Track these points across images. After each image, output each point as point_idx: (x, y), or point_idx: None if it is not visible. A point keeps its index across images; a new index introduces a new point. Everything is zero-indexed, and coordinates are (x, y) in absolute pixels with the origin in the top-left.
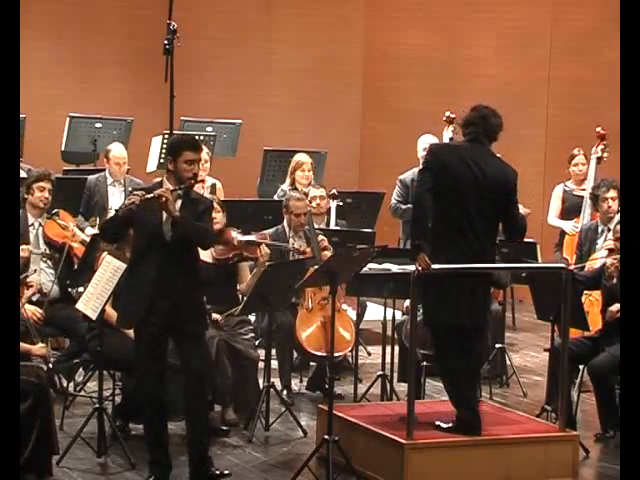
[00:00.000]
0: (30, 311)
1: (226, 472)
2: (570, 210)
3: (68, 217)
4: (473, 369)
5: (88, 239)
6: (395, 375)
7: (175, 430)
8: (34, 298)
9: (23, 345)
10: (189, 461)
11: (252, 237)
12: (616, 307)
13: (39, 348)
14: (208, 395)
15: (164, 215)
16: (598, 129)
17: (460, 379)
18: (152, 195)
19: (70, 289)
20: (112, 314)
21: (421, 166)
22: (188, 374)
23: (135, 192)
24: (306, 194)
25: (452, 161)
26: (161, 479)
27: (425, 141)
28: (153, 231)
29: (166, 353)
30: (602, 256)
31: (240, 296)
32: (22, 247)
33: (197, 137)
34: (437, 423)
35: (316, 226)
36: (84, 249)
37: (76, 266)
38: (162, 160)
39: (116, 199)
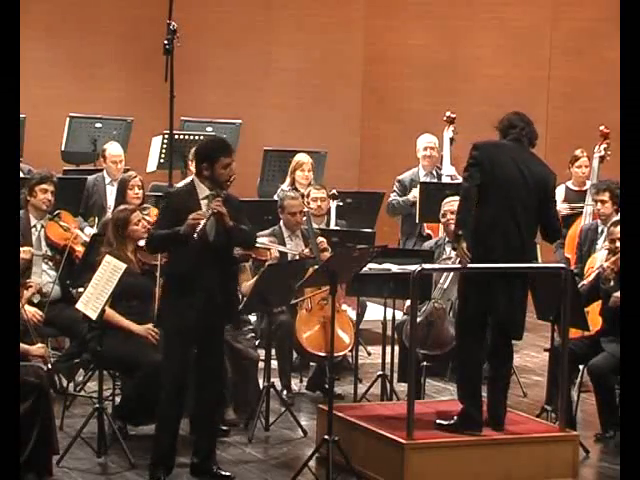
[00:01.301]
0: (30, 312)
1: (228, 474)
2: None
3: (70, 218)
4: (501, 370)
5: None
6: (395, 375)
7: None
8: (35, 300)
9: (22, 345)
10: (195, 454)
11: (262, 240)
12: (619, 294)
13: (38, 348)
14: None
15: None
16: (602, 127)
17: (476, 375)
18: (211, 212)
19: (71, 289)
20: (111, 315)
21: (467, 162)
22: (208, 367)
23: (197, 214)
24: (306, 195)
25: (499, 158)
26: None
27: (424, 140)
28: (199, 235)
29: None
30: (602, 256)
31: (240, 296)
32: (24, 249)
33: (194, 137)
34: (438, 422)
35: (316, 226)
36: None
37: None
38: (162, 160)
39: (114, 198)
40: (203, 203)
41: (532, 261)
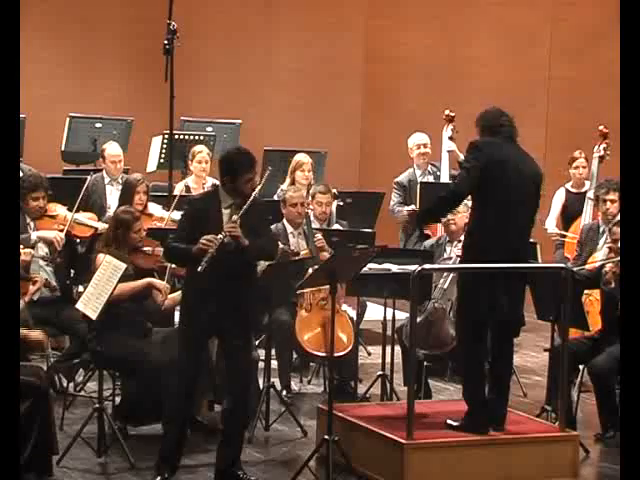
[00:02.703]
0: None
1: (253, 478)
2: (573, 213)
3: (54, 205)
4: (504, 370)
5: (81, 218)
6: (395, 375)
7: None
8: (45, 293)
9: (21, 331)
10: (220, 460)
11: None
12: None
13: (37, 334)
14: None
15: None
16: (601, 127)
17: (478, 376)
18: (225, 235)
19: (68, 281)
20: (118, 289)
21: (465, 162)
22: (235, 374)
23: (208, 240)
24: (311, 196)
25: (499, 157)
26: (167, 478)
27: (416, 139)
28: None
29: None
30: (603, 255)
31: None
32: (24, 250)
33: (194, 137)
34: (448, 422)
35: (317, 226)
36: (79, 228)
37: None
38: (162, 160)
39: (114, 198)
40: (225, 212)
41: (531, 260)
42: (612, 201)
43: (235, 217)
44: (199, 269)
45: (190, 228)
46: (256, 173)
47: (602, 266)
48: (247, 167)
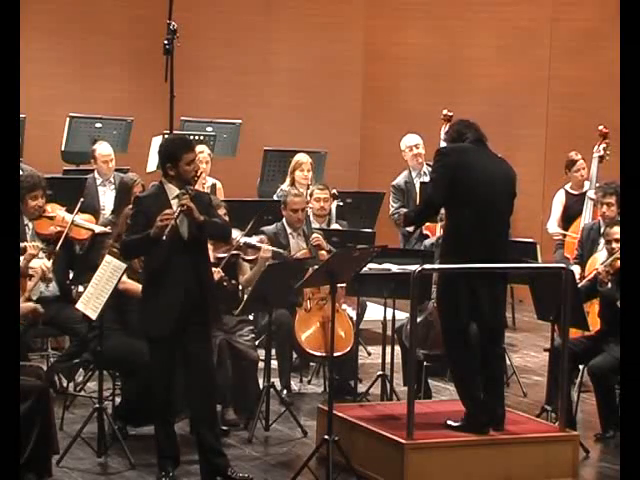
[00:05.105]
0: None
1: (247, 475)
2: (574, 214)
3: (54, 207)
4: (496, 371)
5: (80, 220)
6: (395, 375)
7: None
8: (44, 292)
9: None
10: (201, 458)
11: (253, 240)
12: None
13: (29, 304)
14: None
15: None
16: (600, 127)
17: (470, 378)
18: (179, 210)
19: (68, 281)
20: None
21: (433, 173)
22: (197, 367)
23: (164, 215)
24: (310, 195)
25: (465, 160)
26: (171, 473)
27: (409, 141)
28: (170, 235)
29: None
30: (603, 257)
31: (240, 293)
32: (31, 244)
33: (194, 137)
34: (448, 422)
35: (317, 226)
36: (77, 230)
37: (78, 248)
38: None
39: (108, 198)
40: (174, 203)
41: (530, 260)
42: (609, 205)
43: (186, 196)
44: (163, 237)
45: (142, 225)
46: (196, 155)
47: (596, 275)
48: (185, 148)
